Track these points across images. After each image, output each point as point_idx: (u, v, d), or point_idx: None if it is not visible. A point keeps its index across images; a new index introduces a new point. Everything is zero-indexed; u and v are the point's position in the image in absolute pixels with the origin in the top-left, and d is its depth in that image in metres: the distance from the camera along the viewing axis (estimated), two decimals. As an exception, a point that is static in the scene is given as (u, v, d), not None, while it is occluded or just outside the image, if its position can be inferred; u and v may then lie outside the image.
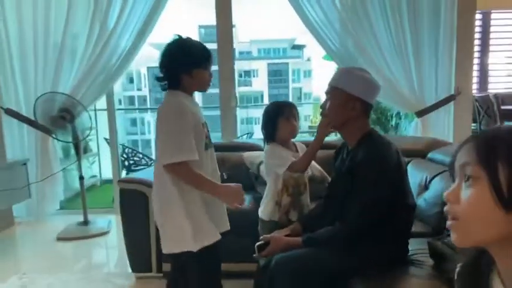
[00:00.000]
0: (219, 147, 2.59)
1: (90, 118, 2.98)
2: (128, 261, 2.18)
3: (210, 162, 1.43)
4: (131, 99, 27.04)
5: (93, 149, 4.64)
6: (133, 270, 2.17)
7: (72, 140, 2.82)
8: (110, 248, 2.80)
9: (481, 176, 0.53)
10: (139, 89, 27.95)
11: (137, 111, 25.77)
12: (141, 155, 3.92)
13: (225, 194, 1.36)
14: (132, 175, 2.26)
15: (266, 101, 25.85)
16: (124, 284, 2.14)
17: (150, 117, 25.85)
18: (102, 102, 3.51)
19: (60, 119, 2.72)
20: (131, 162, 3.87)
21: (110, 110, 3.47)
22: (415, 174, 1.96)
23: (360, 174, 1.29)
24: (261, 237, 1.49)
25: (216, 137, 3.69)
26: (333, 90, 1.40)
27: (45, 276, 2.26)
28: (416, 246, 1.43)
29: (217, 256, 1.45)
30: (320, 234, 1.35)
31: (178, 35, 1.41)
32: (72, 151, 3.02)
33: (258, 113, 23.11)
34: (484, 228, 0.54)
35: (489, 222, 0.53)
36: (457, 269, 0.66)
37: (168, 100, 1.37)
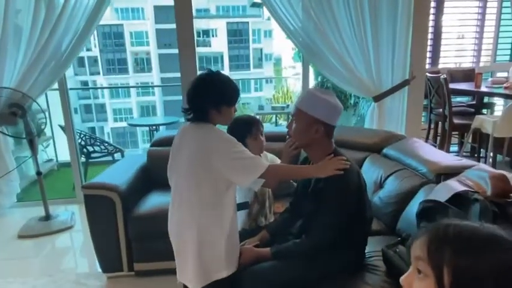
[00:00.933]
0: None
1: (43, 111, 2.80)
2: (97, 261, 2.20)
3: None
4: (80, 61, 25.19)
5: (47, 131, 4.38)
6: (104, 270, 2.20)
7: (26, 135, 2.67)
8: (76, 245, 2.77)
9: (430, 275, 0.60)
10: (88, 49, 26.07)
11: (91, 93, 24.12)
12: (99, 141, 3.78)
13: (321, 170, 1.39)
14: (96, 178, 2.20)
15: (226, 63, 25.21)
16: (96, 285, 2.18)
17: (103, 80, 24.52)
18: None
19: (10, 115, 2.54)
20: (90, 150, 3.73)
21: (62, 92, 3.27)
22: (371, 171, 2.10)
23: (323, 198, 1.38)
24: None
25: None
26: (298, 113, 1.44)
27: (10, 280, 2.23)
28: (372, 248, 1.58)
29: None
30: (287, 247, 1.45)
31: (209, 70, 1.43)
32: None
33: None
34: None
35: None
36: None
37: (216, 133, 1.39)
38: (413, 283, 0.63)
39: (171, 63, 25.64)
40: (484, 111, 4.18)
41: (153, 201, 2.24)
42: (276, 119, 4.81)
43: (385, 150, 2.21)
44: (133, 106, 24.62)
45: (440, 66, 4.87)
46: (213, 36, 26.21)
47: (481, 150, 3.86)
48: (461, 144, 4.10)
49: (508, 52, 5.15)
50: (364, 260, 1.53)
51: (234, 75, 24.44)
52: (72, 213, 3.06)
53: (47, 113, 4.02)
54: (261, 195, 1.77)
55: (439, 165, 1.77)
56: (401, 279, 0.67)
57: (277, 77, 22.71)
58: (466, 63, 5.03)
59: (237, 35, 26.14)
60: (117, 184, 2.11)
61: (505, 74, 4.76)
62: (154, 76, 25.31)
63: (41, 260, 2.52)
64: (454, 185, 1.47)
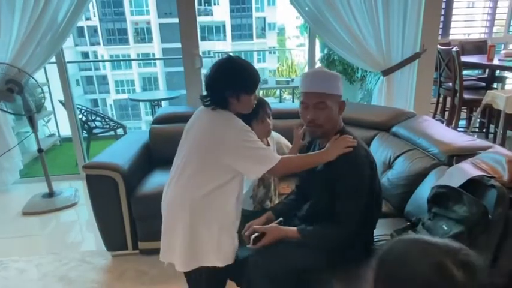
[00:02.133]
0: (186, 117, 2.48)
1: (41, 88, 2.72)
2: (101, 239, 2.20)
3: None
4: (80, 30, 24.65)
5: (47, 106, 4.32)
6: (109, 249, 2.20)
7: (25, 112, 2.60)
8: (81, 222, 2.77)
9: None
10: (88, 19, 25.45)
11: (92, 65, 23.64)
12: (100, 117, 3.72)
13: (331, 152, 1.35)
14: (98, 157, 2.16)
15: (229, 32, 24.57)
16: (101, 263, 2.19)
17: (104, 51, 24.09)
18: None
19: (7, 92, 2.47)
20: (92, 126, 3.67)
21: (60, 65, 3.17)
22: (379, 151, 2.04)
23: (341, 182, 1.32)
24: (255, 226, 1.44)
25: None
26: (327, 98, 1.33)
27: (15, 259, 2.24)
28: (380, 232, 1.54)
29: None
30: (315, 232, 1.37)
31: (229, 55, 1.38)
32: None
33: (222, 46, 22.14)
34: None
35: None
36: None
37: (235, 122, 1.34)
38: None
39: (173, 33, 25.08)
40: (495, 85, 4.04)
41: (156, 180, 2.20)
42: (280, 94, 4.68)
43: (394, 129, 2.14)
44: (135, 78, 24.32)
45: (450, 37, 4.68)
46: (214, 4, 25.41)
47: (490, 126, 3.77)
48: (469, 119, 4.01)
49: (523, 22, 4.93)
50: (373, 244, 1.50)
51: (237, 46, 23.98)
52: (76, 189, 3.05)
53: (46, 88, 3.97)
54: (266, 178, 1.72)
55: (452, 146, 1.70)
56: None
57: (280, 48, 22.20)
58: (477, 33, 4.84)
59: (240, 3, 25.32)
60: (119, 164, 2.07)
61: (518, 46, 4.59)
62: (155, 47, 24.81)
63: (45, 238, 2.54)
64: (468, 169, 1.41)
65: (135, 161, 2.24)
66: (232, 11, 25.24)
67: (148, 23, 24.87)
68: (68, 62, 3.29)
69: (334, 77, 1.36)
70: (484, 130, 3.83)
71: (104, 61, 26.21)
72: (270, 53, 23.77)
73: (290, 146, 2.21)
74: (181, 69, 3.15)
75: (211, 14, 25.42)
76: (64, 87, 3.23)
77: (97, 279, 2.05)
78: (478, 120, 3.80)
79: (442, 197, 1.37)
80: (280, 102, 4.54)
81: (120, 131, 3.86)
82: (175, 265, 1.39)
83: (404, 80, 3.16)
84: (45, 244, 2.46)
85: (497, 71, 4.10)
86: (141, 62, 24.47)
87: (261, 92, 4.82)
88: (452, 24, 4.78)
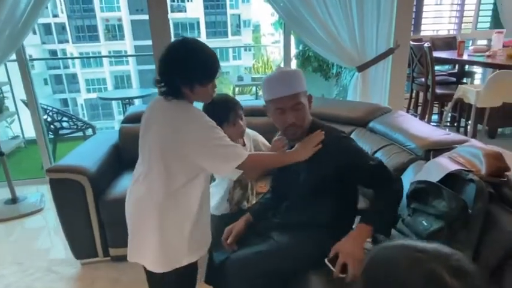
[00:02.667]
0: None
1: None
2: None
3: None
4: (47, 28, 23.65)
5: (10, 106, 4.07)
6: (77, 257, 2.08)
7: (-19, 113, 2.41)
8: (47, 229, 2.61)
9: None
10: (55, 15, 24.45)
11: (61, 63, 22.63)
12: (67, 116, 3.53)
13: (299, 153, 1.31)
14: (63, 160, 2.03)
15: (203, 30, 24.25)
16: (70, 272, 2.06)
17: (74, 48, 23.24)
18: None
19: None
20: (58, 126, 3.49)
21: (22, 62, 2.98)
22: (357, 147, 2.02)
23: (355, 167, 1.32)
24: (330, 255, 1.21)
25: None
26: (301, 97, 1.31)
27: (-24, 270, 2.08)
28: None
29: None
30: (379, 207, 1.31)
31: (184, 38, 1.22)
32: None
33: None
34: None
35: None
36: None
37: (192, 112, 1.23)
38: None
39: (145, 30, 24.44)
40: (465, 80, 4.15)
41: (127, 183, 2.06)
42: (256, 91, 4.64)
43: (371, 125, 2.12)
44: (107, 76, 23.61)
45: (421, 33, 4.77)
46: (188, 0, 25.02)
47: (461, 120, 3.86)
48: (441, 114, 4.10)
49: (489, 19, 5.09)
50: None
51: (212, 43, 23.74)
52: (42, 194, 2.88)
53: (7, 87, 3.73)
54: (244, 179, 1.66)
55: (428, 141, 1.69)
56: None
57: (256, 45, 22.14)
58: (446, 30, 4.96)
59: (214, 0, 25.06)
60: (86, 166, 1.95)
61: (484, 42, 4.73)
62: (127, 44, 24.16)
63: (8, 247, 2.37)
64: (446, 163, 1.40)
65: (104, 163, 2.12)
66: (206, 7, 24.93)
67: (120, 19, 24.20)
68: (33, 60, 3.12)
69: (297, 74, 1.34)
70: (456, 124, 3.92)
71: (72, 58, 25.20)
72: (245, 50, 23.65)
73: (268, 144, 2.16)
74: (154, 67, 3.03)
75: (185, 11, 25.01)
76: (26, 86, 3.04)
77: (64, 290, 1.93)
78: (450, 114, 3.89)
79: (421, 193, 1.35)
80: (256, 99, 4.50)
81: (89, 131, 3.69)
82: (145, 266, 1.32)
83: (378, 75, 3.17)
84: (8, 253, 2.29)
85: (467, 66, 4.22)
86: (112, 60, 23.81)
87: (236, 89, 4.74)
88: (423, 21, 4.87)
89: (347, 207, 1.42)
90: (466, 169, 1.29)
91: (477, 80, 4.57)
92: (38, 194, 2.88)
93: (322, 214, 1.37)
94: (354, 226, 1.45)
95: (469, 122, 3.41)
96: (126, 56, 25.76)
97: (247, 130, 1.88)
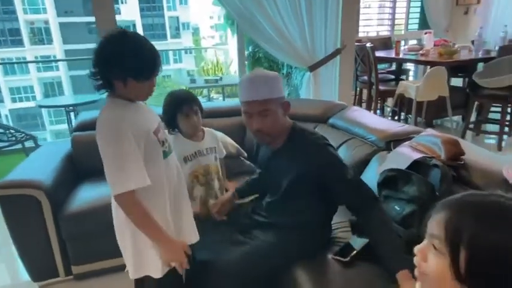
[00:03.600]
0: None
1: None
2: (23, 270, 1.88)
3: (172, 170, 1.25)
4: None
5: None
6: (35, 279, 1.89)
7: None
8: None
9: (446, 253, 0.60)
10: (-31, 18, 21.94)
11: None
12: (3, 128, 3.20)
13: (166, 248, 1.17)
14: (13, 174, 1.84)
15: (140, 32, 23.36)
16: (26, 297, 1.87)
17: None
18: None
19: None
20: (-6, 139, 3.15)
21: None
22: (321, 142, 2.10)
23: (334, 181, 1.31)
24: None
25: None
26: (270, 104, 1.28)
27: None
28: (335, 220, 1.57)
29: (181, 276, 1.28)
30: (387, 239, 1.22)
31: (122, 29, 1.12)
32: None
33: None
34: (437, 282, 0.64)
35: (442, 278, 0.62)
36: None
37: (104, 115, 1.13)
38: (428, 256, 0.65)
39: (76, 33, 22.97)
40: (403, 77, 4.51)
41: (85, 195, 1.96)
42: (208, 93, 4.59)
43: (331, 121, 2.22)
44: (35, 83, 21.72)
45: (360, 35, 5.10)
46: (122, 2, 23.97)
47: (401, 113, 4.19)
48: (382, 109, 4.41)
49: (417, 21, 5.59)
50: (331, 232, 1.52)
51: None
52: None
53: None
54: (201, 175, 1.65)
55: (388, 133, 1.82)
56: (416, 249, 0.68)
57: (203, 47, 21.88)
58: (382, 31, 5.35)
59: (150, 2, 24.31)
60: (41, 179, 1.79)
61: (415, 42, 5.19)
62: (56, 48, 22.48)
63: None
64: (408, 152, 1.52)
65: (59, 175, 1.96)
66: (142, 9, 24.09)
67: (46, 22, 22.44)
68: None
69: (272, 79, 1.30)
70: (396, 118, 4.25)
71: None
72: (185, 52, 23.30)
73: (236, 145, 2.16)
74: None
75: (119, 13, 23.93)
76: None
77: (24, 317, 1.75)
78: (390, 109, 4.20)
79: (391, 180, 1.45)
80: (209, 101, 4.45)
81: (29, 143, 3.37)
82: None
83: (328, 74, 3.33)
84: None
85: (403, 64, 4.59)
86: (40, 65, 21.97)
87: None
88: (360, 23, 5.21)
89: (327, 208, 1.45)
90: (428, 156, 1.42)
91: (410, 76, 5.00)
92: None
93: (302, 214, 1.39)
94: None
95: (409, 115, 3.72)
96: (57, 61, 23.92)
97: (216, 132, 1.87)
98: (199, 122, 1.64)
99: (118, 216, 1.20)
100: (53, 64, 22.22)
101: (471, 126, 3.77)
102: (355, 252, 1.30)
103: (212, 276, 1.31)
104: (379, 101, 4.26)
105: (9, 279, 2.06)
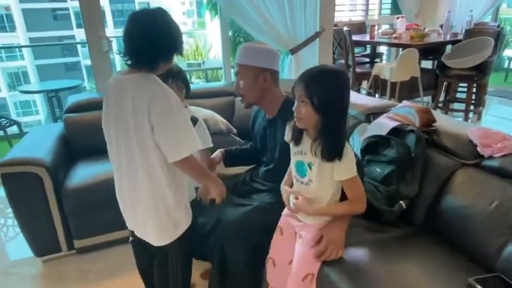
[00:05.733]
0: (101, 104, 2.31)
1: None
2: (27, 246, 1.94)
3: None
4: None
5: None
6: (38, 254, 1.96)
7: None
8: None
9: (307, 102, 1.15)
10: None
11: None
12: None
13: (215, 184, 1.32)
14: (12, 153, 1.88)
15: (109, 19, 22.61)
16: (32, 271, 1.94)
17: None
18: None
19: None
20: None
21: None
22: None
23: None
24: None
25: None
26: (242, 69, 1.48)
27: None
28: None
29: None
30: None
31: (160, 9, 1.16)
32: None
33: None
34: (311, 123, 1.20)
35: (313, 120, 1.18)
36: None
37: (162, 86, 1.17)
38: (301, 108, 1.17)
39: (41, 20, 21.92)
40: (377, 60, 4.73)
41: (85, 172, 2.03)
42: (190, 77, 4.63)
43: (314, 98, 2.38)
44: (-3, 73, 20.71)
45: (336, 20, 5.27)
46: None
47: (376, 95, 4.42)
48: (358, 91, 4.63)
49: (389, 6, 5.82)
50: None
51: (120, 33, 22.13)
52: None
53: None
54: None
55: (367, 107, 2.00)
56: (296, 111, 1.19)
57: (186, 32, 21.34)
58: (357, 16, 5.55)
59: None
60: (42, 157, 1.85)
61: (387, 26, 5.42)
62: (20, 36, 21.43)
63: None
64: (386, 121, 1.69)
65: (57, 153, 2.02)
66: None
67: (8, 8, 21.30)
68: None
69: (258, 50, 1.48)
70: (372, 99, 4.48)
71: None
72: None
73: (225, 121, 2.28)
74: (56, 60, 2.86)
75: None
76: None
77: (30, 290, 1.83)
78: (365, 91, 4.42)
79: (373, 146, 1.62)
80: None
81: (13, 129, 3.35)
82: (151, 242, 1.31)
83: (308, 57, 3.48)
84: None
85: (377, 48, 4.81)
86: (3, 54, 20.93)
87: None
88: (337, 8, 5.37)
89: None
90: (405, 123, 1.60)
91: (384, 60, 5.24)
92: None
93: None
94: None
95: (384, 96, 3.94)
96: (21, 47, 22.78)
97: (205, 110, 1.98)
98: (182, 96, 1.58)
99: (154, 186, 1.22)
100: (17, 53, 21.20)
101: (440, 105, 4.04)
102: None
103: (214, 236, 1.44)
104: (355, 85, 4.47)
105: (14, 254, 2.12)
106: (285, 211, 1.40)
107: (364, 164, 1.63)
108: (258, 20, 3.11)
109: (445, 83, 3.95)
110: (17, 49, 21.42)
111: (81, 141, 2.28)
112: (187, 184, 1.36)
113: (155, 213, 1.25)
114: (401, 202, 1.43)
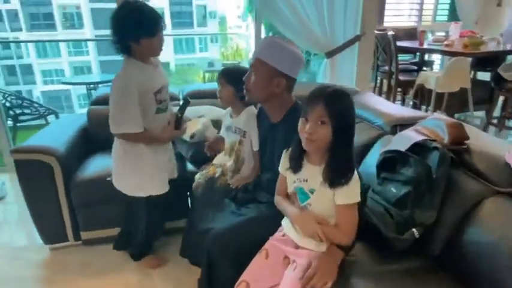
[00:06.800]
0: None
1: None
2: (36, 233, 1.99)
3: (160, 124, 1.61)
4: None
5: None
6: (46, 242, 2.00)
7: None
8: (10, 217, 2.48)
9: (328, 123, 1.07)
10: (6, 1, 22.87)
11: (13, 52, 21.32)
12: (28, 102, 3.35)
13: (168, 136, 1.65)
14: (29, 141, 1.94)
15: (168, 20, 23.62)
16: (38, 258, 1.98)
17: (27, 36, 21.89)
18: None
19: None
20: (18, 111, 3.30)
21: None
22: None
23: None
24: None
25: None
26: (259, 64, 1.33)
27: None
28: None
29: (162, 203, 1.72)
30: None
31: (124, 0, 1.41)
32: None
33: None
34: (323, 145, 1.11)
35: (327, 142, 1.10)
36: None
37: (120, 72, 1.48)
38: (318, 129, 1.08)
39: (107, 19, 23.43)
40: (425, 69, 4.37)
41: (97, 164, 2.04)
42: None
43: (340, 105, 2.19)
44: (65, 67, 22.49)
45: (384, 25, 4.96)
46: (152, -10, 24.25)
47: (422, 106, 4.07)
48: (403, 101, 4.30)
49: (447, 12, 5.38)
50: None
51: (177, 33, 23.16)
52: (2, 182, 2.73)
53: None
54: (238, 150, 1.68)
55: (394, 117, 1.79)
56: (306, 131, 1.09)
57: (221, 33, 21.86)
58: (408, 22, 5.19)
59: (178, -10, 24.47)
60: (55, 147, 1.88)
61: (442, 33, 5.00)
62: (87, 33, 23.09)
63: (-32, 236, 2.23)
64: (412, 135, 1.49)
65: (72, 144, 2.05)
66: (170, -3, 24.31)
67: (78, 7, 23.05)
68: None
69: (280, 48, 1.32)
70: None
71: (25, 42, 23.67)
72: (212, 41, 23.36)
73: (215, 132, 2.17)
74: (118, 57, 2.93)
75: (148, 1, 24.29)
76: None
77: (34, 275, 1.86)
78: (411, 101, 4.09)
79: (389, 162, 1.43)
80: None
81: (52, 118, 3.52)
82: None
83: (346, 61, 3.28)
84: (-32, 243, 2.17)
85: (427, 56, 4.45)
86: (71, 49, 22.68)
87: (206, 75, 4.69)
88: (386, 13, 5.06)
89: None
90: (430, 139, 1.39)
91: (435, 69, 4.84)
92: (-1, 182, 2.73)
93: None
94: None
95: (429, 108, 3.62)
96: (86, 41, 24.53)
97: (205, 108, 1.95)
98: (223, 94, 1.68)
99: (117, 149, 1.64)
100: (84, 49, 22.87)
101: (494, 121, 3.62)
102: None
103: (203, 243, 1.35)
104: (399, 93, 4.16)
105: (25, 240, 2.19)
106: (278, 236, 1.27)
107: (379, 182, 1.45)
108: (293, 20, 2.98)
109: (501, 97, 3.53)
110: (83, 45, 23.16)
111: (102, 134, 2.27)
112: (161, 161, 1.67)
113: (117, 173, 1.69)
114: (413, 230, 1.23)
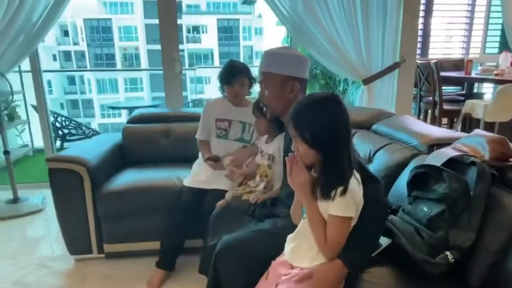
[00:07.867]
0: (163, 118, 2.41)
1: (10, 84, 2.60)
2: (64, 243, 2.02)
3: (219, 148, 1.98)
4: (67, 55, 24.67)
5: (22, 115, 4.16)
6: (71, 253, 2.03)
7: (-9, 109, 2.48)
8: (45, 228, 2.57)
9: (299, 140, 1.06)
10: (76, 43, 25.57)
11: (77, 88, 23.82)
12: (75, 123, 3.59)
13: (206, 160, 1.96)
14: (64, 152, 2.04)
15: (216, 59, 24.98)
16: (61, 267, 2.01)
17: (91, 75, 24.07)
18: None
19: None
20: (66, 131, 3.54)
21: (35, 71, 3.08)
22: (360, 146, 1.96)
23: None
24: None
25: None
26: (267, 77, 1.34)
27: (-31, 263, 2.05)
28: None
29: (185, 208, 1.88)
30: (362, 238, 1.09)
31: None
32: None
33: (208, 73, 22.34)
34: (312, 160, 1.08)
35: (313, 157, 1.07)
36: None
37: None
38: (299, 147, 1.08)
39: (159, 58, 25.27)
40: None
41: (126, 178, 2.08)
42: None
43: (374, 127, 2.09)
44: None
45: (429, 57, 4.80)
46: (203, 32, 25.94)
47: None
48: (450, 133, 4.03)
49: (497, 44, 5.11)
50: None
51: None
52: (44, 196, 2.87)
53: (20, 96, 3.83)
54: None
55: (431, 137, 1.65)
56: (292, 148, 1.10)
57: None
58: (455, 54, 4.98)
59: (228, 32, 25.91)
60: (86, 158, 1.95)
61: (493, 63, 4.73)
62: (143, 72, 24.97)
63: (4, 244, 2.33)
64: (448, 151, 1.35)
65: (105, 158, 2.12)
66: (220, 39, 25.75)
67: (137, 48, 25.14)
68: (46, 71, 3.21)
69: (279, 55, 1.34)
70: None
71: (86, 70, 25.92)
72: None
73: None
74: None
75: (200, 42, 25.89)
76: (37, 90, 3.12)
77: (56, 285, 1.87)
78: (459, 131, 3.83)
79: (421, 179, 1.30)
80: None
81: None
82: None
83: (384, 89, 3.17)
84: (3, 250, 2.25)
85: (475, 89, 4.19)
86: (128, 86, 24.51)
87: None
88: (431, 45, 4.92)
89: None
90: (468, 154, 1.25)
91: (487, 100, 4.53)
92: (41, 195, 2.88)
93: None
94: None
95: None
96: (141, 70, 26.49)
97: None
98: (259, 126, 1.75)
99: None
100: (139, 85, 24.65)
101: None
102: (380, 249, 1.17)
103: (215, 259, 1.28)
104: (444, 125, 3.92)
105: (55, 251, 2.24)
106: (280, 259, 1.18)
107: (410, 201, 1.31)
108: (328, 47, 2.97)
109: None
110: (138, 81, 25.03)
111: (136, 151, 2.38)
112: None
113: None
114: (447, 253, 1.07)
